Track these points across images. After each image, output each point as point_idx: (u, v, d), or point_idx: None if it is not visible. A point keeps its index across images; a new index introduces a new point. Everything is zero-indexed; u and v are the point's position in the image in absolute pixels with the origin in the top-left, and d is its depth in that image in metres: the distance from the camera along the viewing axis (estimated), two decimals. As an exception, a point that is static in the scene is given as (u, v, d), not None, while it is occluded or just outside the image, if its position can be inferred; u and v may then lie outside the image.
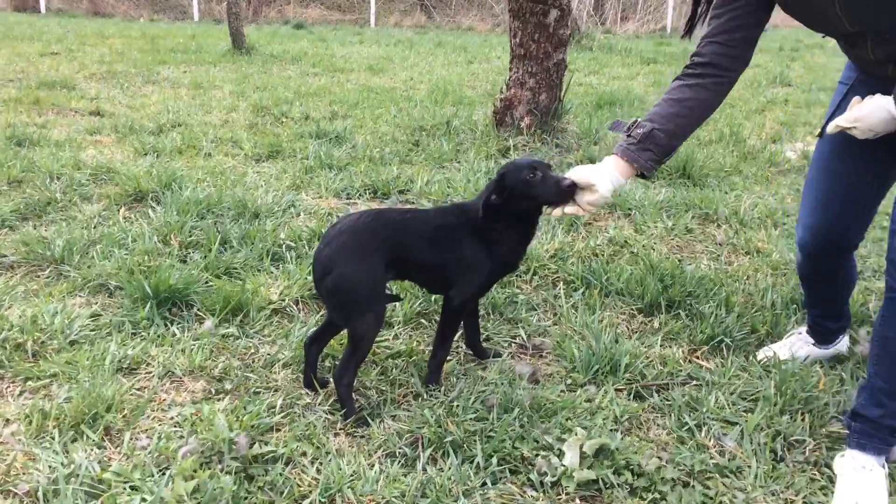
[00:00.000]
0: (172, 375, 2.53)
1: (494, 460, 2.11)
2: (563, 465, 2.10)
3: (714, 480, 2.11)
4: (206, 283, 3.15)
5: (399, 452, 2.15)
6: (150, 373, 2.54)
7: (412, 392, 2.50)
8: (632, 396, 2.57)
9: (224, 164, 5.13)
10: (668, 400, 2.53)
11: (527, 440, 2.21)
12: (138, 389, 2.44)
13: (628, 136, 2.10)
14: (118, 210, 4.12)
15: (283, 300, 3.08)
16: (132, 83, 8.70)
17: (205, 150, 5.50)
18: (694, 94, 2.01)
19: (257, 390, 2.45)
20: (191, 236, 3.65)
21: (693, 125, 2.09)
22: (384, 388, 2.51)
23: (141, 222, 3.87)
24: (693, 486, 2.09)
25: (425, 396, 2.45)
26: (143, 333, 2.78)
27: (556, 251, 3.70)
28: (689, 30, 2.10)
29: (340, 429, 2.27)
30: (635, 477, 2.09)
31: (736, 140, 6.47)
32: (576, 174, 2.17)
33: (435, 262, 2.36)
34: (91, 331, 2.78)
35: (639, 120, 2.10)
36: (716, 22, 2.00)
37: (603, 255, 3.71)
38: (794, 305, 3.22)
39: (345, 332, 2.48)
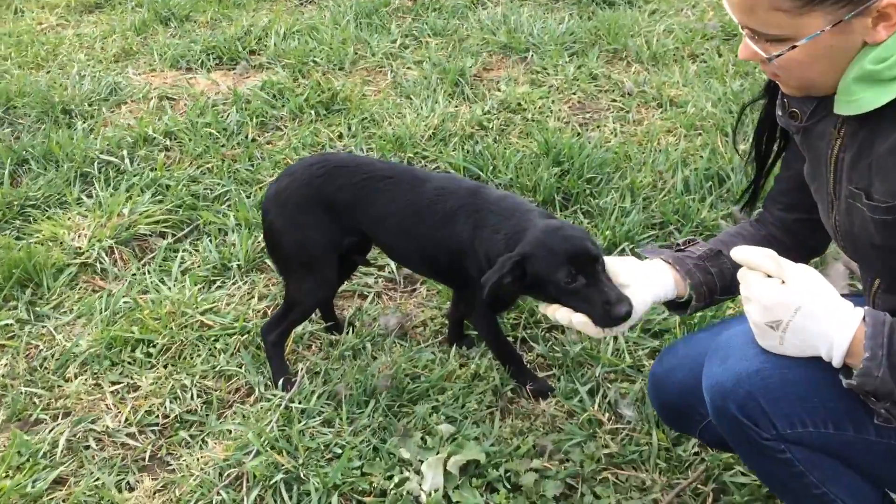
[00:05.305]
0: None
1: (335, 500, 1.70)
2: (423, 491, 1.70)
3: (607, 475, 1.75)
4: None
5: (216, 500, 1.72)
6: None
7: (245, 387, 2.03)
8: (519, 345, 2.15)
9: (37, 26, 4.18)
10: (557, 351, 2.12)
11: (380, 456, 1.79)
12: None
13: (679, 249, 1.59)
14: None
15: (93, 249, 2.47)
16: None
17: (14, 3, 4.48)
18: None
19: (41, 417, 1.93)
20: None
21: None
22: (209, 384, 2.03)
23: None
24: (582, 496, 1.72)
25: (258, 392, 1.98)
26: None
27: (437, 128, 3.09)
28: (751, 202, 1.65)
29: (137, 482, 1.80)
30: (511, 495, 1.72)
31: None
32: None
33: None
34: None
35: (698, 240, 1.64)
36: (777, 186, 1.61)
37: (491, 126, 3.11)
38: (710, 183, 2.74)
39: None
